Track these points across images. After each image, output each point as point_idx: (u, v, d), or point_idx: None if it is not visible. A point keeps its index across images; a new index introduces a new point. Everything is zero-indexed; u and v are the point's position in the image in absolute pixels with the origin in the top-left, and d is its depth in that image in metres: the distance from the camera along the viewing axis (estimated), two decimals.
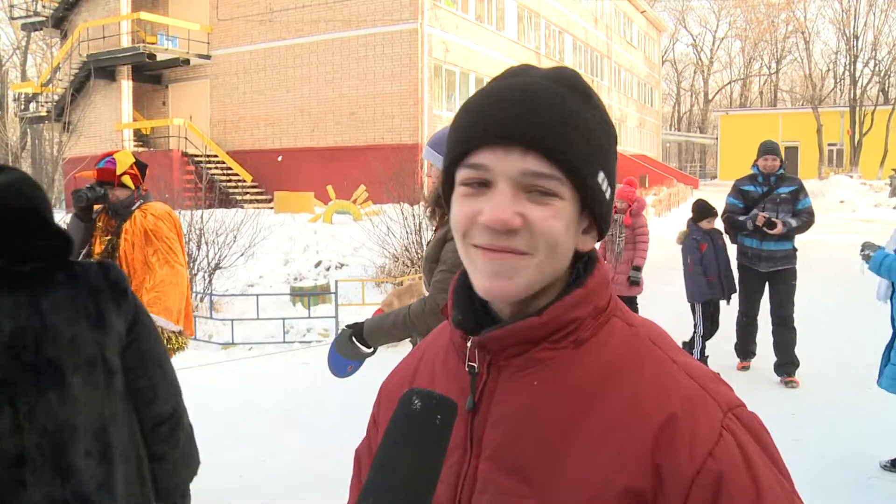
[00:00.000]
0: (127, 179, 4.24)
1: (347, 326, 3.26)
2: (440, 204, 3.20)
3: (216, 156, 25.70)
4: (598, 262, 1.01)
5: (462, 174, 0.94)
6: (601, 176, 0.95)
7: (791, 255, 7.02)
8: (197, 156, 24.85)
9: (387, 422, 0.84)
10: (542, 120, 0.90)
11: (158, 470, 1.97)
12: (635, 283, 7.78)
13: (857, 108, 44.83)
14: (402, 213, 11.52)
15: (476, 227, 0.92)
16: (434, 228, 3.76)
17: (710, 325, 7.20)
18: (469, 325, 1.01)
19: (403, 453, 0.80)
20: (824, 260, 12.92)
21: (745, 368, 7.28)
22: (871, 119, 43.92)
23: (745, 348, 7.33)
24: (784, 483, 0.89)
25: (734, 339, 7.38)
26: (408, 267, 11.59)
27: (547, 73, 0.96)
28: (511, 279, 0.92)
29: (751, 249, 7.08)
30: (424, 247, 12.03)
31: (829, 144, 46.19)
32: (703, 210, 7.32)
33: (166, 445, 1.99)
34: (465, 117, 0.95)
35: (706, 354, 7.10)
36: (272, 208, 19.88)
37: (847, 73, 49.28)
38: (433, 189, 3.24)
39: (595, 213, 0.96)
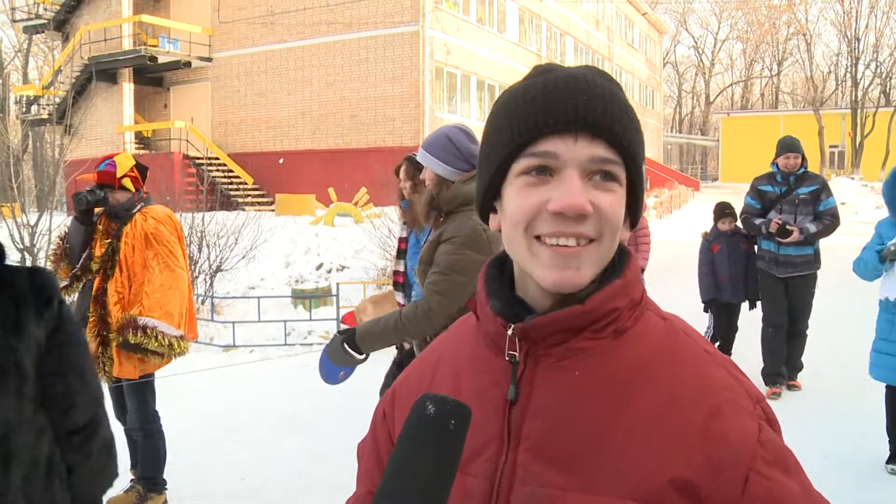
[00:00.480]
0: (127, 182, 4.25)
1: (339, 333, 3.25)
2: (435, 206, 3.21)
3: (217, 158, 25.73)
4: (632, 256, 1.03)
5: (524, 163, 0.95)
6: (643, 166, 0.98)
7: (811, 261, 6.55)
8: (198, 158, 24.89)
9: (401, 422, 0.85)
10: (608, 107, 0.93)
11: (70, 480, 1.91)
12: None
13: (859, 110, 44.81)
14: None
15: (542, 216, 0.93)
16: (404, 231, 3.68)
17: (718, 327, 7.18)
18: (508, 313, 1.00)
19: (417, 459, 0.80)
20: (826, 261, 12.90)
21: (775, 395, 6.41)
22: (872, 121, 43.89)
23: (774, 371, 6.58)
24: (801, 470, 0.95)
25: (753, 357, 6.67)
26: None
27: (587, 67, 1.00)
28: (580, 270, 0.93)
29: (768, 253, 6.62)
30: None
31: (831, 146, 46.16)
32: (718, 211, 7.26)
33: (77, 455, 1.92)
34: (522, 107, 0.95)
35: None
36: (273, 210, 19.89)
37: (848, 75, 49.26)
38: (428, 192, 3.24)
39: (636, 200, 1.00)
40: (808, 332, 6.77)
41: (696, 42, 70.58)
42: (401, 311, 3.15)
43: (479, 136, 1.17)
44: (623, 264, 1.00)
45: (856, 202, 30.64)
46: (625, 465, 0.89)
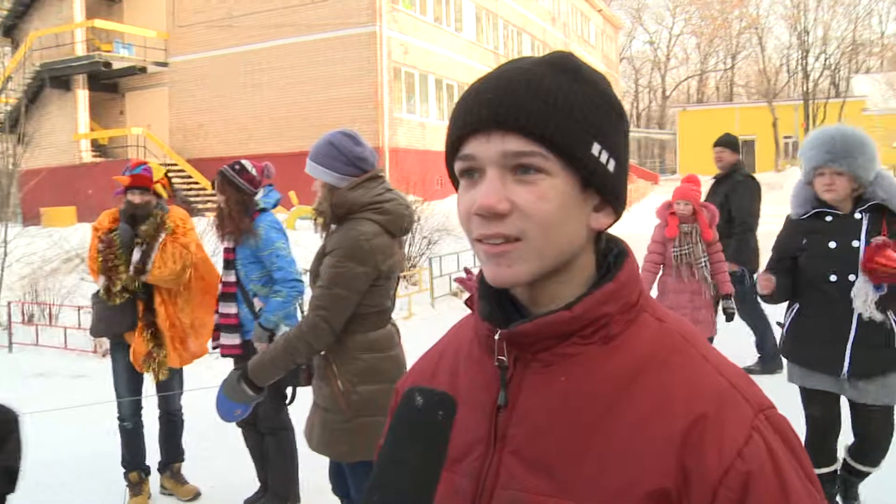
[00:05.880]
0: (159, 188, 4.64)
1: (236, 369, 3.22)
2: (323, 215, 3.18)
3: (176, 164, 25.42)
4: (629, 255, 1.02)
5: (457, 167, 0.97)
6: (596, 148, 0.93)
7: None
8: None
9: None
10: (516, 100, 0.90)
11: None
12: (732, 316, 5.88)
13: (810, 102, 45.63)
14: None
15: (474, 218, 0.94)
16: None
17: None
18: (497, 317, 1.00)
19: (407, 449, 0.82)
20: None
21: None
22: (823, 112, 44.72)
23: None
24: (811, 489, 0.88)
25: None
26: None
27: (535, 58, 0.97)
28: (511, 266, 0.93)
29: None
30: None
31: (785, 137, 46.81)
32: None
33: None
34: (454, 112, 0.97)
35: None
36: None
37: (799, 67, 50.15)
38: (317, 201, 3.20)
39: (600, 187, 0.96)
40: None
41: (651, 37, 71.30)
42: (288, 334, 3.13)
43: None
44: (618, 266, 0.99)
45: None
46: (606, 474, 0.88)
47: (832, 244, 3.55)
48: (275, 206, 4.50)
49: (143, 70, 26.38)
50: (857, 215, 3.54)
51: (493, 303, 1.02)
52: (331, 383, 3.15)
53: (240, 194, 4.30)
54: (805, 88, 47.37)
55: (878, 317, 3.46)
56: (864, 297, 3.44)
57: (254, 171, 4.39)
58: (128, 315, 4.64)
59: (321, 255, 3.16)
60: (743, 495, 0.84)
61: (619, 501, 0.87)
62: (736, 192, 6.75)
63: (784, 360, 3.90)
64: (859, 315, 3.48)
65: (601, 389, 0.92)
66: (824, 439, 3.78)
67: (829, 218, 3.60)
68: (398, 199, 3.26)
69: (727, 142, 6.97)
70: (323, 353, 3.17)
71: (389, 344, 3.25)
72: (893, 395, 3.58)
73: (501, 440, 0.96)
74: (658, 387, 0.91)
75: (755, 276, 3.94)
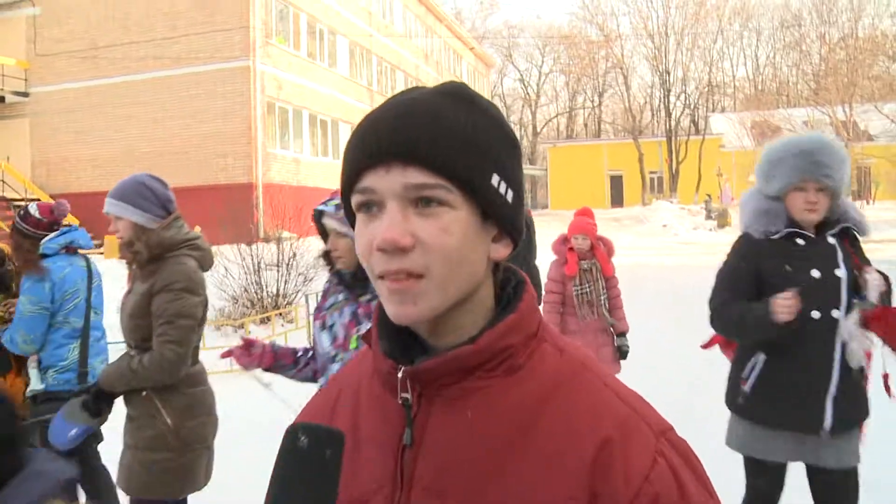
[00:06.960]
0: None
1: (74, 394, 3.28)
2: (137, 254, 3.18)
3: (39, 199, 24.30)
4: (527, 285, 1.00)
5: (354, 200, 0.92)
6: (495, 179, 0.92)
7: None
8: (17, 199, 23.42)
9: None
10: (416, 131, 0.87)
11: None
12: (626, 354, 5.58)
13: (673, 139, 48.02)
14: (240, 254, 11.36)
15: (375, 254, 0.89)
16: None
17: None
18: (397, 353, 0.96)
19: (295, 492, 0.77)
20: (651, 281, 13.73)
21: None
22: (685, 148, 47.16)
23: None
24: None
25: None
26: (248, 308, 11.40)
27: (429, 88, 0.95)
28: (416, 304, 0.89)
29: None
30: (265, 287, 11.84)
31: (651, 172, 48.92)
32: None
33: None
34: (349, 144, 0.93)
35: None
36: (102, 253, 19.01)
37: (662, 105, 52.79)
38: (126, 241, 3.22)
39: (499, 218, 0.94)
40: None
41: (521, 75, 73.13)
42: (141, 359, 3.13)
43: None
44: (518, 297, 0.97)
45: (675, 224, 32.82)
46: (516, 501, 0.88)
47: (815, 273, 2.85)
48: (61, 249, 4.24)
49: (0, 99, 25.14)
50: (831, 240, 2.91)
51: (392, 338, 0.98)
52: (156, 422, 3.14)
53: (22, 240, 4.17)
54: (668, 126, 49.88)
55: (863, 362, 2.90)
56: (858, 341, 2.83)
57: (37, 214, 4.22)
58: None
59: (148, 296, 3.16)
60: None
61: None
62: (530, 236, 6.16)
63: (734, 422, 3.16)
64: (841, 359, 2.86)
65: (508, 421, 0.91)
66: None
67: (801, 241, 2.91)
68: (202, 237, 3.40)
69: None
70: (143, 392, 3.16)
71: (205, 377, 3.39)
72: (855, 453, 2.95)
73: (409, 479, 0.93)
74: (563, 415, 0.90)
75: None
